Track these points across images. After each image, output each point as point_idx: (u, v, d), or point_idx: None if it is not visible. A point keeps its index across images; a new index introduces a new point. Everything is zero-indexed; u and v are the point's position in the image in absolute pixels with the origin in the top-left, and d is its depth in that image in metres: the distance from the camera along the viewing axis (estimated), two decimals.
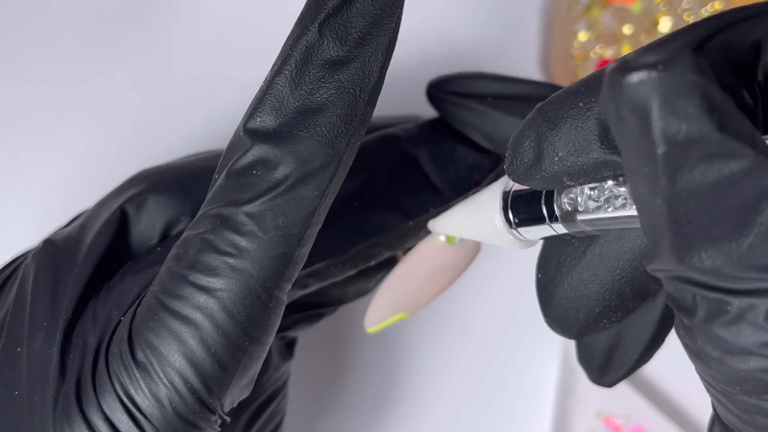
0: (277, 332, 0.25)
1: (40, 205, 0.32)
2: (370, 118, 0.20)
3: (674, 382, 0.34)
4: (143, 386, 0.19)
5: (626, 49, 0.33)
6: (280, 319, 0.20)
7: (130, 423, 0.19)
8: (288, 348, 0.26)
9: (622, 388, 0.33)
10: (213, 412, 0.19)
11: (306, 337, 0.31)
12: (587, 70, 0.33)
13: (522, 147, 0.17)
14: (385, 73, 0.19)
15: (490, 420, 0.34)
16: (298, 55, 0.19)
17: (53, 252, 0.22)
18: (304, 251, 0.19)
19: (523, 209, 0.19)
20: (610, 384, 0.22)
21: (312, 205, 0.19)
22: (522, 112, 0.24)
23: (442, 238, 0.22)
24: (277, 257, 0.19)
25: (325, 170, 0.19)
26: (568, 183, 0.17)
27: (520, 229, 0.19)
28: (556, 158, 0.16)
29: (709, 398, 0.35)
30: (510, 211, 0.19)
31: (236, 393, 0.20)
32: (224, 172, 0.19)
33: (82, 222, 0.23)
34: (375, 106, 0.20)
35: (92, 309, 0.21)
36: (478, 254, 0.22)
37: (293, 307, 0.26)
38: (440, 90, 0.26)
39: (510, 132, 0.23)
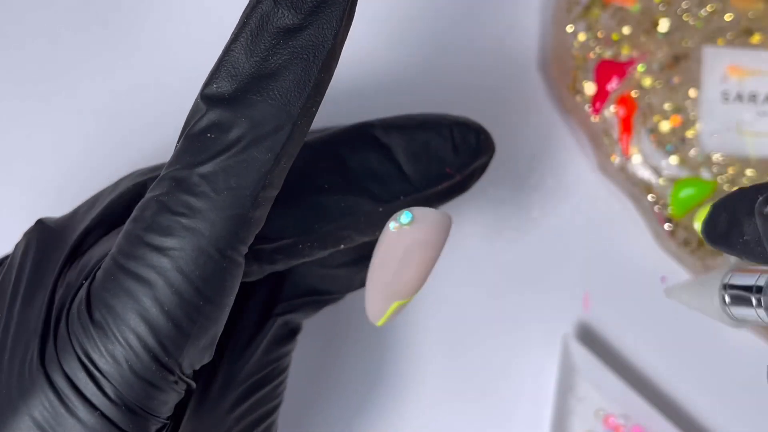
0: (278, 315, 0.25)
1: (32, 209, 0.32)
2: (327, 86, 0.20)
3: (674, 382, 0.34)
4: (100, 345, 0.19)
5: (626, 50, 0.33)
6: (237, 282, 0.20)
7: (89, 382, 0.19)
8: (289, 335, 0.26)
9: (622, 388, 0.33)
10: (171, 372, 0.20)
11: (309, 326, 0.30)
12: (586, 71, 0.33)
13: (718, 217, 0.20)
14: (341, 41, 0.20)
15: (490, 419, 0.34)
16: (254, 23, 0.20)
17: (43, 229, 0.23)
18: (260, 213, 0.20)
19: (737, 293, 0.22)
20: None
21: (265, 167, 0.20)
22: None
23: (393, 224, 0.22)
24: (230, 218, 0.19)
25: (277, 133, 0.20)
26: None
27: (732, 309, 0.22)
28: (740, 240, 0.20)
29: (708, 398, 0.35)
30: (726, 292, 0.23)
31: (195, 354, 0.20)
32: (182, 137, 0.20)
33: (74, 210, 0.24)
34: (331, 73, 0.20)
35: (65, 277, 0.22)
36: (447, 228, 0.22)
37: (295, 291, 0.26)
38: None
39: None
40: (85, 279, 0.21)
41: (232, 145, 0.20)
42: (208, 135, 0.20)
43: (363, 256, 0.27)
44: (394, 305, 0.23)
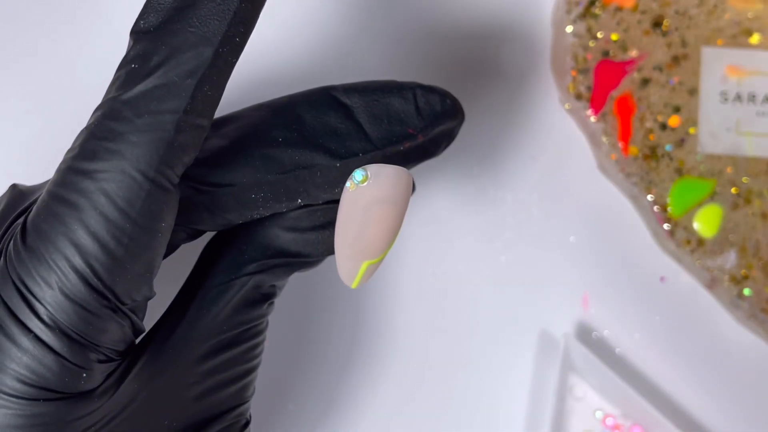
0: (248, 275, 0.25)
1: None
2: (253, 17, 0.21)
3: (674, 381, 0.34)
4: (32, 270, 0.20)
5: (625, 50, 0.33)
6: (168, 207, 0.21)
7: (24, 305, 0.20)
8: (262, 298, 0.26)
9: (622, 388, 0.33)
10: (104, 297, 0.20)
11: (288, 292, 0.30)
12: (586, 71, 0.33)
13: None
14: None
15: (489, 419, 0.34)
16: None
17: (13, 190, 0.24)
18: (184, 139, 0.21)
19: None
20: None
21: (185, 91, 0.20)
22: None
23: (348, 182, 0.22)
24: (152, 140, 0.20)
25: (197, 58, 0.20)
26: None
27: None
28: None
29: (708, 398, 0.35)
30: None
31: (130, 282, 0.21)
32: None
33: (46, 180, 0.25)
34: (258, 5, 0.21)
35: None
36: (407, 183, 0.22)
37: (265, 252, 0.26)
38: None
39: None
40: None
41: (153, 70, 0.20)
42: (133, 65, 0.21)
43: (335, 219, 0.27)
44: (364, 266, 0.23)
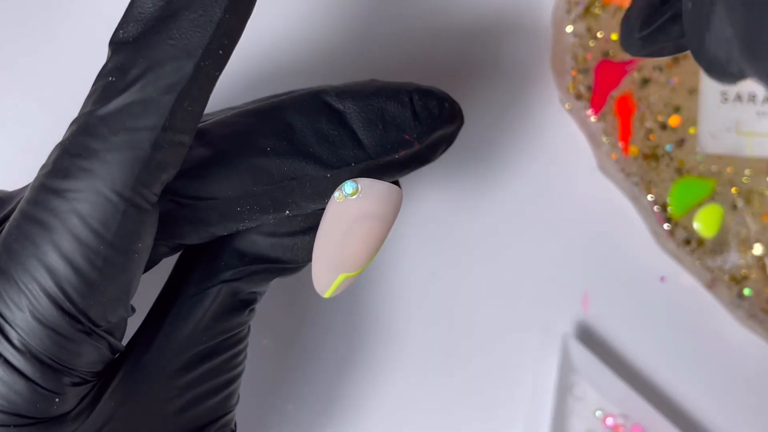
0: (225, 281, 0.24)
1: None
2: (237, 29, 0.20)
3: (674, 382, 0.34)
4: (2, 292, 0.19)
5: None
6: (145, 228, 0.20)
7: None
8: (241, 305, 0.25)
9: (622, 387, 0.33)
10: (78, 321, 0.19)
11: (274, 300, 0.30)
12: (586, 71, 0.33)
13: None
14: None
15: (489, 419, 0.34)
16: None
17: None
18: (163, 156, 0.20)
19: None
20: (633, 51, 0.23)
21: (164, 107, 0.19)
22: None
23: (337, 193, 0.21)
24: (127, 159, 0.19)
25: (177, 72, 0.19)
26: None
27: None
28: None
29: (708, 398, 0.35)
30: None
31: (105, 305, 0.20)
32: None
33: (24, 186, 0.24)
34: (242, 16, 0.20)
35: None
36: (397, 201, 0.22)
37: (242, 258, 0.25)
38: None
39: None
40: None
41: (130, 85, 0.19)
42: (110, 79, 0.20)
43: (316, 225, 0.25)
44: (340, 278, 0.22)
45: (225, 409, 0.25)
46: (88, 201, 0.19)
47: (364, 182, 0.21)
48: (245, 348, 0.26)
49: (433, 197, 0.35)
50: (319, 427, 0.34)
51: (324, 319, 0.34)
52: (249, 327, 0.26)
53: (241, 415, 0.27)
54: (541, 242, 0.34)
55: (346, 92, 0.24)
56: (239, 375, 0.25)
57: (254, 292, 0.25)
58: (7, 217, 0.22)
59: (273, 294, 0.30)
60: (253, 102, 0.26)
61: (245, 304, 0.25)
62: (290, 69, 0.34)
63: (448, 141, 0.26)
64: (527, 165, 0.35)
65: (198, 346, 0.24)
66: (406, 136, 0.24)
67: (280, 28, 0.34)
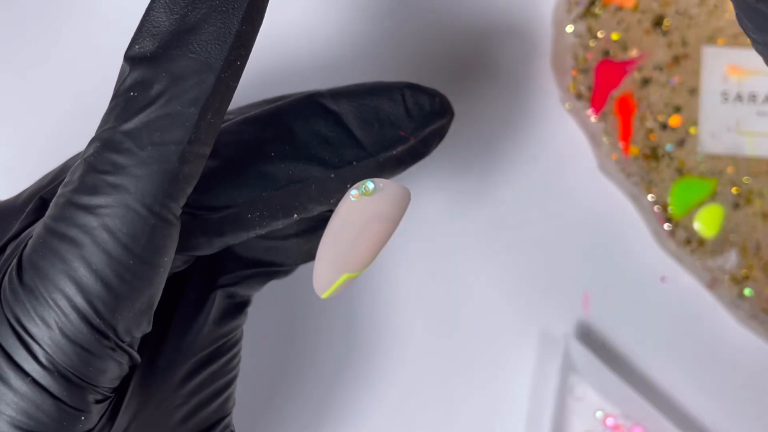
0: (222, 287, 0.25)
1: None
2: (252, 38, 0.20)
3: (674, 382, 0.34)
4: (30, 309, 0.19)
5: (626, 50, 0.33)
6: (171, 242, 0.20)
7: (20, 347, 0.19)
8: (237, 308, 0.25)
9: (622, 388, 0.33)
10: (105, 336, 0.19)
11: (272, 301, 0.30)
12: (586, 71, 0.33)
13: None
14: None
15: (489, 419, 0.34)
16: None
17: None
18: (189, 170, 0.20)
19: None
20: None
21: (189, 120, 0.19)
22: None
23: (354, 191, 0.21)
24: (156, 173, 0.19)
25: (199, 86, 0.19)
26: None
27: None
28: None
29: (708, 398, 0.35)
30: None
31: (131, 319, 0.20)
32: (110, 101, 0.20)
33: (20, 192, 0.24)
34: (256, 25, 0.20)
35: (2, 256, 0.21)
36: (407, 203, 0.22)
37: (238, 263, 0.25)
38: None
39: None
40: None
41: (154, 100, 0.19)
42: (132, 93, 0.20)
43: (311, 228, 0.26)
44: (343, 278, 0.22)
45: (225, 411, 0.25)
46: (118, 216, 0.19)
47: (381, 183, 0.22)
48: (240, 350, 0.26)
49: (432, 197, 0.34)
50: (318, 427, 0.34)
51: (323, 319, 0.34)
52: (242, 329, 0.26)
53: (241, 415, 0.27)
54: (541, 242, 0.34)
55: (340, 93, 0.25)
56: (236, 377, 0.26)
57: (248, 295, 0.26)
58: (14, 237, 0.22)
59: (273, 294, 0.30)
60: (248, 108, 0.26)
61: (241, 306, 0.25)
62: (289, 70, 0.34)
63: (440, 134, 0.27)
64: (527, 165, 0.35)
65: (200, 352, 0.24)
66: (402, 133, 0.25)
67: (281, 28, 0.34)
